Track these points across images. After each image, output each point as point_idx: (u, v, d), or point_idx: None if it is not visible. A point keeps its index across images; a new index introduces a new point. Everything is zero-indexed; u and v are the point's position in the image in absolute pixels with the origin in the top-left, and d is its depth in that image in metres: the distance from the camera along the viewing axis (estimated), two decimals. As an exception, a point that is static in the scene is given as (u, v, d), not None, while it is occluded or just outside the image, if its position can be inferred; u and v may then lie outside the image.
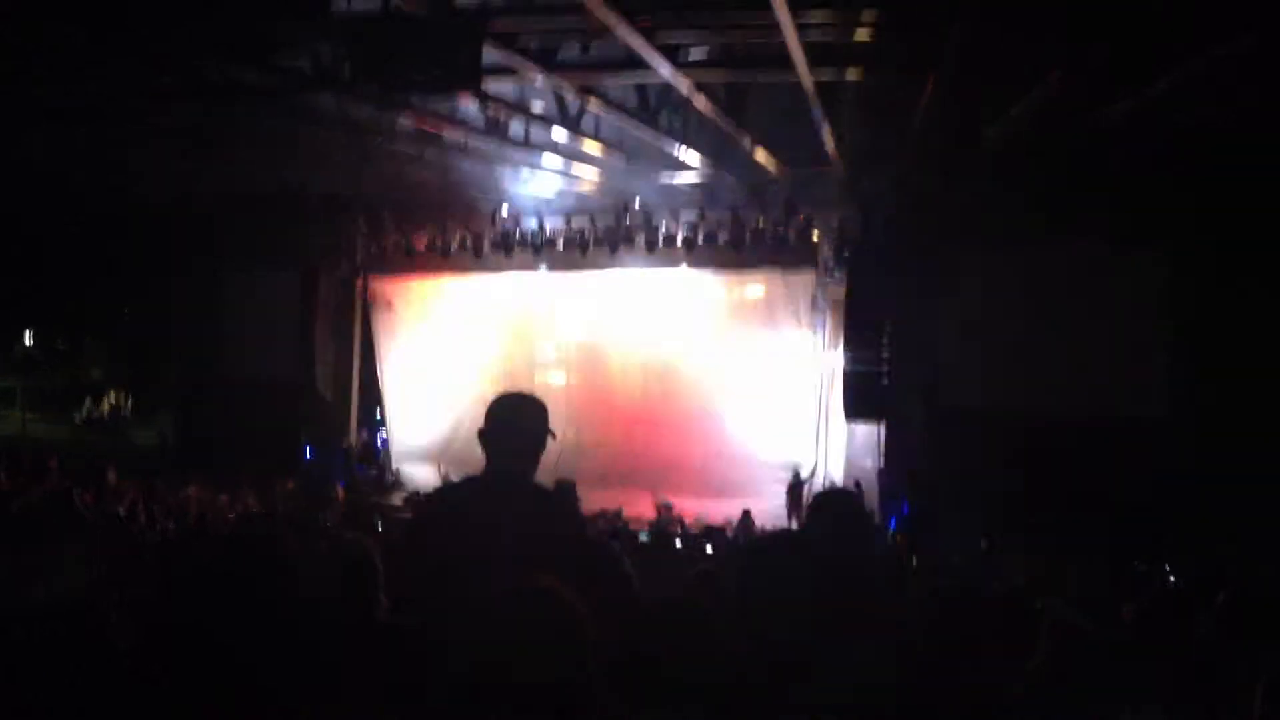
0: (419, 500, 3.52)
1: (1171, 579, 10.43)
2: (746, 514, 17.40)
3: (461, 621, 1.77)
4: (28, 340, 48.49)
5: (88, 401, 36.89)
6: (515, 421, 3.44)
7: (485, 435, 3.43)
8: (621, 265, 19.72)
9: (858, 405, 17.28)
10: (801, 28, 10.06)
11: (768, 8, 9.55)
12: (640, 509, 17.80)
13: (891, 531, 16.37)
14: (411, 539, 3.78)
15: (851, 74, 12.52)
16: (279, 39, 11.66)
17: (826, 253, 18.27)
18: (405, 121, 14.96)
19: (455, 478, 15.68)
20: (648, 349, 21.04)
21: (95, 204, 23.34)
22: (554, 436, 3.50)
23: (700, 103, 13.09)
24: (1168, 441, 14.60)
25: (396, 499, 20.96)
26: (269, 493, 16.94)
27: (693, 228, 18.67)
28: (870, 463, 18.16)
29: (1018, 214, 15.81)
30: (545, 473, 3.58)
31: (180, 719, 1.99)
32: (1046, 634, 2.57)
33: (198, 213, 21.78)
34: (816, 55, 11.16)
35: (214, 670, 2.01)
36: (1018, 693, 2.45)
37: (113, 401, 37.10)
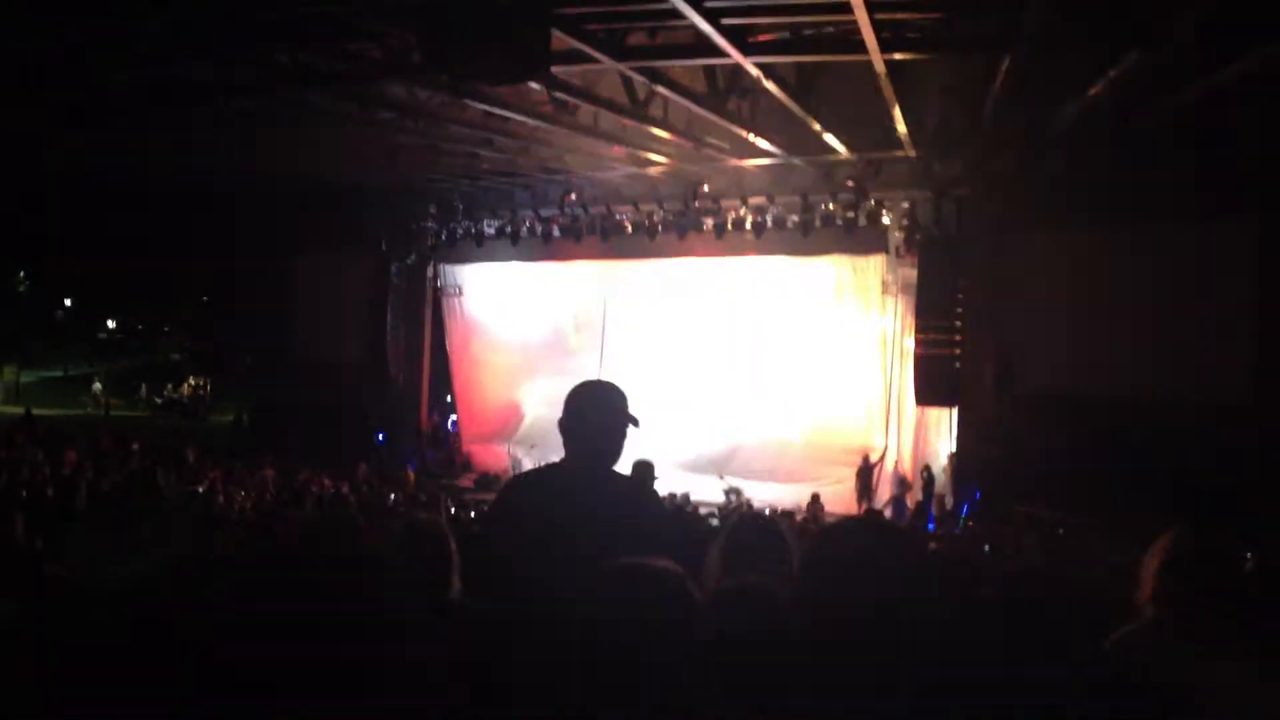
0: (503, 486, 3.49)
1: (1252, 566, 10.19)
2: (816, 498, 17.34)
3: (554, 601, 1.79)
4: (109, 326, 49.80)
5: (168, 386, 37.72)
6: (592, 410, 3.40)
7: (564, 425, 3.41)
8: (690, 250, 19.69)
9: (929, 389, 17.13)
10: (873, 8, 9.94)
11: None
12: (708, 493, 17.83)
13: (964, 517, 16.21)
14: (493, 525, 3.81)
15: (924, 56, 12.35)
16: (350, 26, 11.77)
17: (897, 236, 18.07)
18: (474, 108, 15.05)
19: (527, 460, 15.75)
20: (717, 333, 21.02)
21: (172, 192, 23.83)
22: (636, 423, 3.46)
23: (769, 86, 13.01)
24: (1250, 427, 14.25)
25: (466, 481, 21.20)
26: (342, 475, 17.20)
27: (762, 212, 18.57)
28: (942, 447, 18.01)
29: (1093, 195, 15.52)
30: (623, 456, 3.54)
31: (258, 696, 2.04)
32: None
33: (272, 200, 22.14)
34: (888, 37, 11.03)
35: (290, 648, 2.06)
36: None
37: (191, 384, 37.90)
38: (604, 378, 3.76)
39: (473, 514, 13.75)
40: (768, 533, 3.20)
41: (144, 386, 37.23)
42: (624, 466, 3.60)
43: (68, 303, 49.40)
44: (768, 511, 15.68)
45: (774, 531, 3.22)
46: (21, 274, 47.57)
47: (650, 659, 1.67)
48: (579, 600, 1.76)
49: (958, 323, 16.88)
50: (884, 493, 18.26)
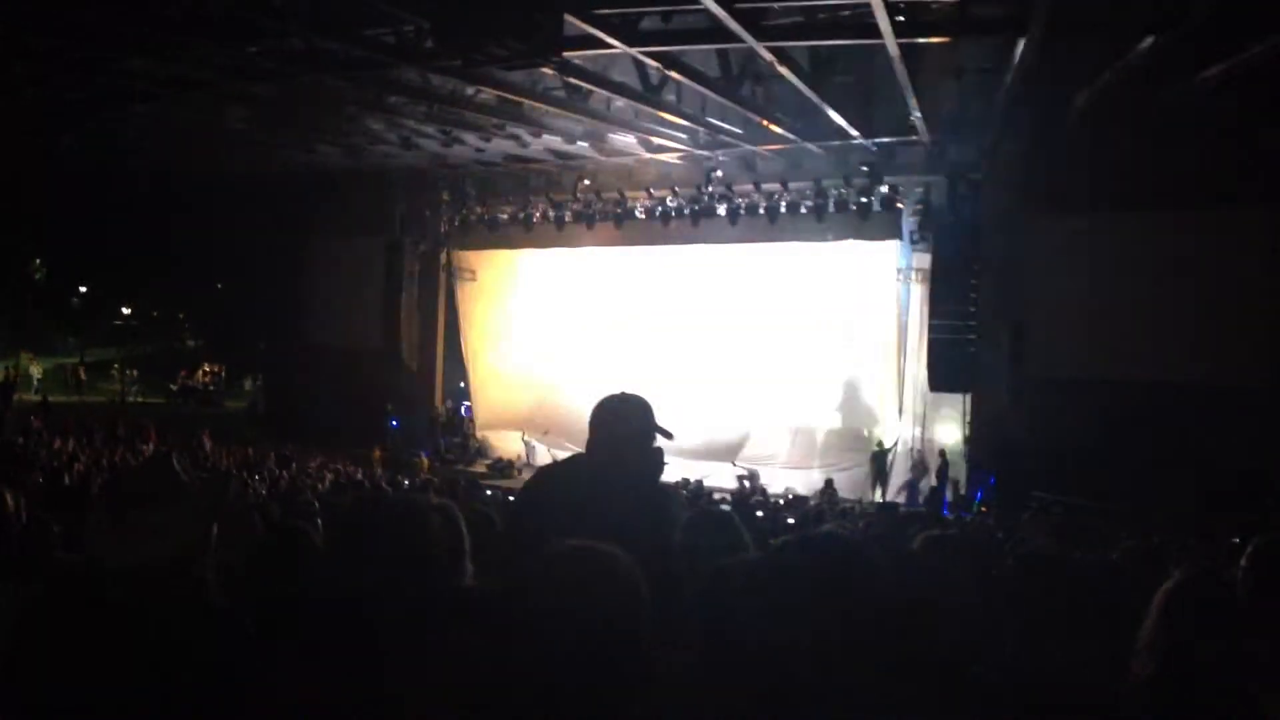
0: (529, 479, 3.59)
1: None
2: (829, 483, 17.33)
3: (522, 583, 1.84)
4: (125, 312, 49.97)
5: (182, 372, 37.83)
6: (619, 424, 3.41)
7: (591, 439, 3.43)
8: (703, 236, 19.65)
9: (944, 375, 17.09)
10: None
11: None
12: (722, 479, 17.84)
13: (978, 503, 16.19)
14: (514, 515, 3.83)
15: (938, 40, 12.27)
16: (364, 11, 11.77)
17: (911, 221, 18.02)
18: (487, 93, 15.05)
19: (541, 446, 15.64)
20: (730, 319, 20.99)
21: (186, 178, 23.90)
22: (669, 435, 3.48)
23: (783, 72, 12.95)
24: (1266, 411, 14.15)
25: (480, 467, 21.26)
26: (358, 460, 17.28)
27: (775, 198, 18.52)
28: (956, 432, 17.97)
29: (1107, 180, 15.44)
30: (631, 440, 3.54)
31: (275, 678, 2.06)
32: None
33: (285, 185, 22.19)
34: (903, 21, 10.97)
35: (307, 632, 2.08)
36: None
37: (206, 371, 38.01)
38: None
39: (489, 492, 13.84)
40: (724, 526, 3.17)
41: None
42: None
43: (83, 290, 49.58)
44: (776, 502, 15.72)
45: (730, 525, 3.20)
46: (38, 261, 47.75)
47: (594, 640, 1.71)
48: (529, 584, 1.81)
49: (972, 308, 16.83)
50: (898, 478, 18.24)
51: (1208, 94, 13.06)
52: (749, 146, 17.38)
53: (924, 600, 2.35)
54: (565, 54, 11.52)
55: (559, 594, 1.76)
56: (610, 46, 11.80)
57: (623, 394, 3.51)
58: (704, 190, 18.97)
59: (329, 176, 21.69)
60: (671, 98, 15.12)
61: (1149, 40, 10.92)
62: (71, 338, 43.48)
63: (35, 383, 32.77)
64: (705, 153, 18.11)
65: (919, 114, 14.65)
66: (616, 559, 1.82)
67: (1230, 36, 11.25)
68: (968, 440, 17.47)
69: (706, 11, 10.52)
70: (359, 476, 15.48)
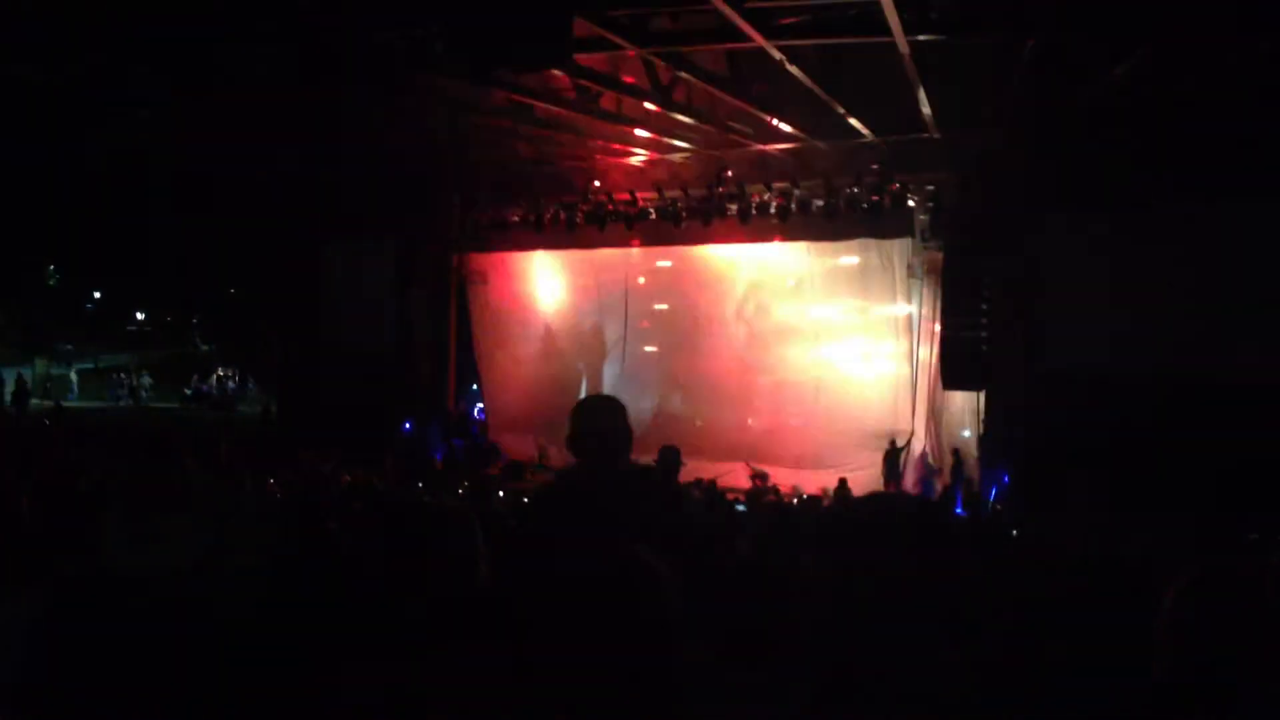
0: (535, 488, 3.88)
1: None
2: (843, 483, 17.30)
3: (544, 587, 1.83)
4: (139, 318, 50.20)
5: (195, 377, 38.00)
6: (596, 425, 3.61)
7: (571, 441, 3.59)
8: (715, 236, 19.62)
9: (957, 372, 17.03)
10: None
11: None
12: (736, 479, 17.82)
13: (991, 501, 16.15)
14: (523, 522, 3.95)
15: (948, 37, 12.22)
16: (374, 16, 11.77)
17: (922, 219, 17.97)
18: (498, 96, 15.06)
19: (554, 448, 15.72)
20: (742, 319, 20.97)
21: (196, 183, 23.97)
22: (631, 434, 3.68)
23: (793, 71, 12.92)
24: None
25: (493, 469, 21.26)
26: (371, 466, 17.28)
27: (786, 196, 18.48)
28: (969, 431, 17.92)
29: (1119, 174, 15.35)
30: (647, 444, 3.68)
31: (291, 682, 2.06)
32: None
33: (297, 189, 22.21)
34: (911, 18, 10.93)
35: (320, 637, 2.08)
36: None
37: (220, 375, 38.16)
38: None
39: (500, 493, 13.84)
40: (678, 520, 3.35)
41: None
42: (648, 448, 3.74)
43: (97, 295, 49.78)
44: (790, 502, 15.71)
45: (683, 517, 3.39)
46: (51, 267, 47.98)
47: (621, 637, 1.71)
48: (550, 584, 1.82)
49: (984, 305, 16.75)
50: (911, 477, 18.20)
51: (1225, 85, 12.98)
52: (759, 145, 17.36)
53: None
54: (575, 56, 11.54)
55: (582, 592, 1.75)
56: (620, 48, 11.80)
57: (597, 396, 3.79)
58: (714, 190, 18.95)
59: (340, 180, 21.71)
60: (681, 97, 15.11)
61: (1165, 36, 10.87)
62: (73, 343, 43.66)
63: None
64: (715, 152, 18.09)
65: (929, 110, 14.62)
66: (638, 555, 1.82)
67: (1238, 34, 11.21)
68: (981, 438, 17.40)
69: (716, 11, 10.52)
70: (373, 480, 15.48)
